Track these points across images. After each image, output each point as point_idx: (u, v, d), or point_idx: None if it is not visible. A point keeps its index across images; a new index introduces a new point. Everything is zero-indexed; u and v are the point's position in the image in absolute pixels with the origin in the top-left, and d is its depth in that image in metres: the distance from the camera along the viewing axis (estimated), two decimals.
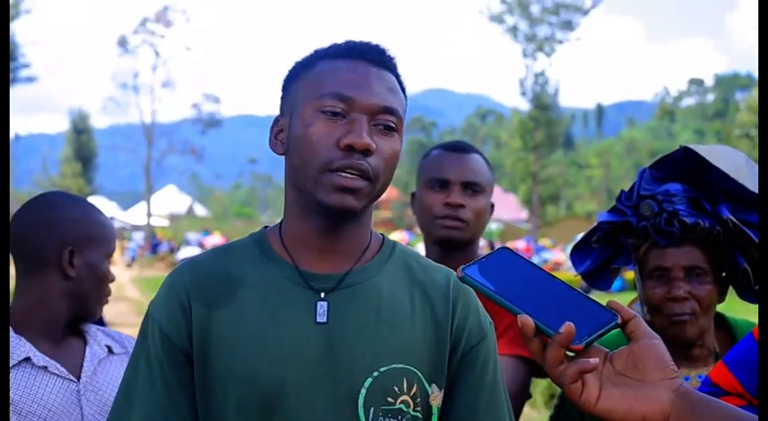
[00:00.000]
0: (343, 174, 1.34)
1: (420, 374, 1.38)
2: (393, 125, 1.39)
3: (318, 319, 1.37)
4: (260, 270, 1.42)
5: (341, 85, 1.37)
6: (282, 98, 1.47)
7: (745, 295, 2.13)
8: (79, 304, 1.93)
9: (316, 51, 1.45)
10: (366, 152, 1.34)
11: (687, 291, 2.02)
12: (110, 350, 1.99)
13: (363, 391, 1.34)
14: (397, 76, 1.44)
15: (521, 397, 2.15)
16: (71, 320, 1.95)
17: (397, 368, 1.36)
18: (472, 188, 2.28)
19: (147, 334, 1.41)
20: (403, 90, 1.45)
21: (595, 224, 2.27)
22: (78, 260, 1.89)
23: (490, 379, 1.45)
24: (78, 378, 1.89)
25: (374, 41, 1.44)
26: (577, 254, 2.31)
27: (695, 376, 2.05)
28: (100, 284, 1.95)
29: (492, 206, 2.37)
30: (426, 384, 1.39)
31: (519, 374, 2.11)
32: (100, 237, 1.94)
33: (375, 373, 1.35)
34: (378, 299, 1.40)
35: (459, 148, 2.35)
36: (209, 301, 1.39)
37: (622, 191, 2.17)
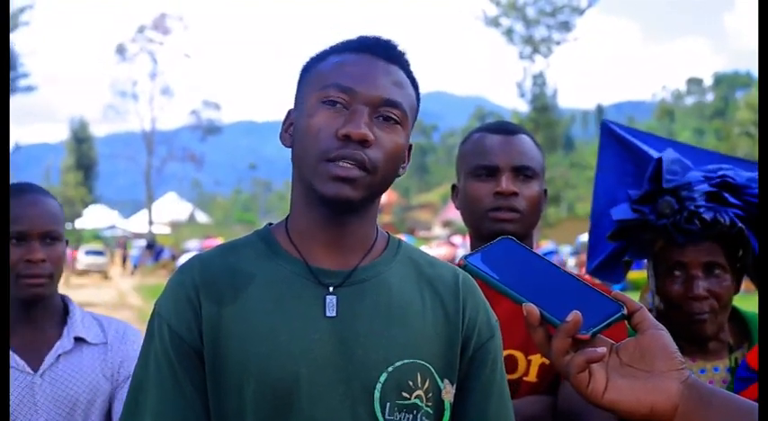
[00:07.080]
0: (339, 163, 1.33)
1: (432, 369, 1.38)
2: (395, 117, 1.38)
3: (327, 313, 1.36)
4: (268, 266, 1.41)
5: (344, 76, 1.37)
6: (296, 92, 1.48)
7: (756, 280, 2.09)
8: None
9: (330, 46, 1.46)
10: (364, 143, 1.33)
11: (706, 288, 2.01)
12: (82, 341, 2.10)
13: (379, 386, 1.33)
14: (409, 72, 1.44)
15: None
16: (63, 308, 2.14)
17: (410, 363, 1.36)
18: (524, 173, 2.01)
19: (155, 333, 1.38)
20: (415, 87, 1.45)
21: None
22: None
23: (499, 376, 1.46)
24: (36, 370, 2.03)
25: (385, 37, 1.44)
26: (591, 253, 2.31)
27: (711, 368, 2.05)
28: None
29: (545, 192, 2.10)
30: (438, 379, 1.39)
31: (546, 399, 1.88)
32: None
33: (390, 368, 1.34)
34: (388, 295, 1.40)
35: (505, 129, 2.07)
36: (218, 298, 1.37)
37: (649, 182, 2.11)
